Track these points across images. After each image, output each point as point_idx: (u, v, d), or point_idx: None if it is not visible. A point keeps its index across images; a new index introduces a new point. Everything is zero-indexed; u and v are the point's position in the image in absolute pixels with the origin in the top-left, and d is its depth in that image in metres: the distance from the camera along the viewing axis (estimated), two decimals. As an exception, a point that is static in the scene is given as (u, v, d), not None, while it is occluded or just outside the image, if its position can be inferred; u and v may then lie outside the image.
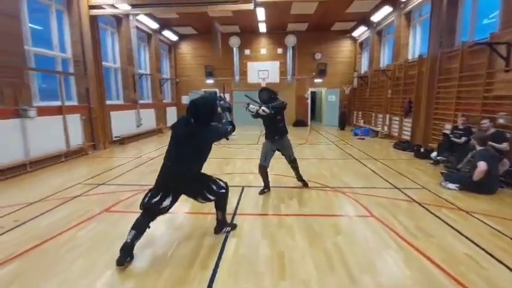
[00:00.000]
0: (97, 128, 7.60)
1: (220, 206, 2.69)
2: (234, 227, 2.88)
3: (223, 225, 2.77)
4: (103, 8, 7.43)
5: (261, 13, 9.84)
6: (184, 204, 3.49)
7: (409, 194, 3.88)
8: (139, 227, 2.26)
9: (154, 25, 10.79)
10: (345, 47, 13.14)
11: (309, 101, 13.63)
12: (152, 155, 6.97)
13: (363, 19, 10.67)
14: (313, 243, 2.57)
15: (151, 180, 4.60)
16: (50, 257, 2.36)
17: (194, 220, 3.15)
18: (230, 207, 3.37)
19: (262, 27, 12.01)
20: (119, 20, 9.13)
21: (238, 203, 3.59)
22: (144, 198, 2.39)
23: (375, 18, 9.79)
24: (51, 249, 2.49)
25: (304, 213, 3.26)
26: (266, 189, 3.99)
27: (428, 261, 2.25)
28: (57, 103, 6.45)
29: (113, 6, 7.66)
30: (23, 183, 4.66)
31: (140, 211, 2.38)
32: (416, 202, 3.58)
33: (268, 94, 3.71)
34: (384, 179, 4.66)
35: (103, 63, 8.19)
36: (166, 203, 2.36)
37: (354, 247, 2.48)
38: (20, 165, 5.23)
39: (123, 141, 8.66)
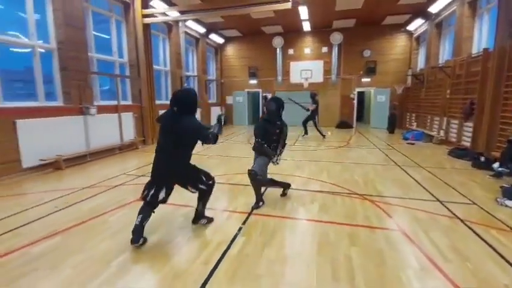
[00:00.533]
0: (146, 125, 8.40)
1: (203, 198, 2.85)
2: (210, 220, 2.99)
3: (201, 217, 2.93)
4: (155, 16, 8.17)
5: (303, 11, 9.63)
6: None
7: (453, 209, 3.39)
8: (145, 213, 2.51)
9: (202, 29, 11.44)
10: (398, 43, 12.02)
11: (355, 101, 12.88)
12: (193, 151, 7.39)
13: (420, 11, 9.61)
14: (323, 251, 2.44)
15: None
16: (83, 237, 2.71)
17: (212, 215, 3.24)
18: (246, 207, 3.42)
19: (306, 26, 11.74)
20: (170, 27, 9.92)
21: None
22: (144, 191, 2.59)
23: (434, 8, 8.72)
24: (86, 230, 2.87)
25: (322, 220, 3.10)
26: (286, 190, 3.89)
27: (453, 287, 1.94)
28: (114, 102, 7.34)
29: (164, 14, 8.38)
30: (81, 171, 5.42)
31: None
32: (459, 219, 3.10)
33: (276, 105, 3.35)
34: (427, 189, 4.14)
35: (155, 66, 9.01)
36: (162, 194, 2.56)
37: (367, 262, 2.28)
38: (81, 155, 6.11)
39: (169, 138, 9.40)
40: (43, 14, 5.67)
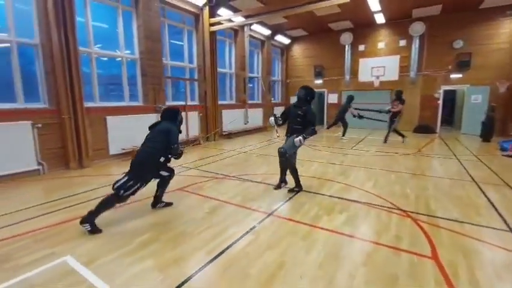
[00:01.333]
0: (210, 123, 9.24)
1: (162, 185, 3.42)
2: (168, 204, 3.51)
3: (159, 202, 3.46)
4: (221, 24, 8.86)
5: (374, 2, 8.79)
6: (232, 196, 3.87)
7: (529, 244, 2.62)
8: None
9: (267, 32, 11.75)
10: (503, 29, 9.58)
11: (440, 101, 10.98)
12: (245, 149, 7.77)
13: (538, -14, 7.45)
14: (326, 265, 2.29)
15: (225, 171, 5.22)
16: (126, 214, 3.28)
17: (235, 211, 3.41)
18: (270, 207, 3.44)
19: (380, 18, 10.63)
20: (235, 32, 10.58)
21: (282, 204, 3.58)
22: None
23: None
24: (129, 209, 3.45)
25: (343, 232, 2.87)
26: (296, 188, 4.10)
27: None
28: (182, 103, 8.35)
29: (229, 20, 9.00)
30: (149, 161, 6.41)
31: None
32: (532, 258, 2.38)
33: (305, 92, 3.84)
34: (501, 214, 3.29)
35: (220, 69, 9.82)
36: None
37: (372, 286, 2.03)
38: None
39: (230, 135, 10.08)
40: (130, 29, 6.94)
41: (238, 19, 9.11)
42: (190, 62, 8.90)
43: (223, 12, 8.92)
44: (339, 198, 3.85)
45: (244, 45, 10.69)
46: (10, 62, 4.97)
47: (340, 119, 9.29)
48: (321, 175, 5.00)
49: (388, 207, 3.52)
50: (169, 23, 8.01)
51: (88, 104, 5.91)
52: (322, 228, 2.96)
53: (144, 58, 7.05)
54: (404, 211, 3.41)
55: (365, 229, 2.95)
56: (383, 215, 3.30)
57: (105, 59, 6.60)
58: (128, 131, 6.61)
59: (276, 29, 12.15)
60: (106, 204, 2.85)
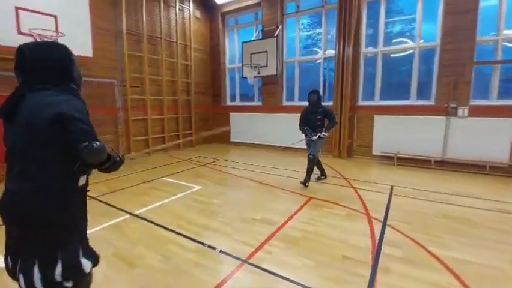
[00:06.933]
0: None
1: None
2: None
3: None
4: None
5: None
6: (301, 228, 3.15)
7: None
8: None
9: None
10: None
11: None
12: None
13: None
14: None
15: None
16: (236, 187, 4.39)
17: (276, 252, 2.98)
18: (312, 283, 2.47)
19: None
20: None
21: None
22: None
23: None
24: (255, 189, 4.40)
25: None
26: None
27: None
28: (497, 103, 4.89)
29: None
30: (393, 172, 5.38)
31: None
32: None
33: (317, 96, 4.28)
34: None
35: None
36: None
37: None
38: (424, 159, 5.55)
39: None
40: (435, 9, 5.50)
41: None
42: None
43: None
44: None
45: None
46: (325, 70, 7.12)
47: None
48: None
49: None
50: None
51: (362, 103, 6.38)
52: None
53: (444, 42, 5.32)
54: None
55: None
56: None
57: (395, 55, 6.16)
58: (396, 133, 5.85)
59: None
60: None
